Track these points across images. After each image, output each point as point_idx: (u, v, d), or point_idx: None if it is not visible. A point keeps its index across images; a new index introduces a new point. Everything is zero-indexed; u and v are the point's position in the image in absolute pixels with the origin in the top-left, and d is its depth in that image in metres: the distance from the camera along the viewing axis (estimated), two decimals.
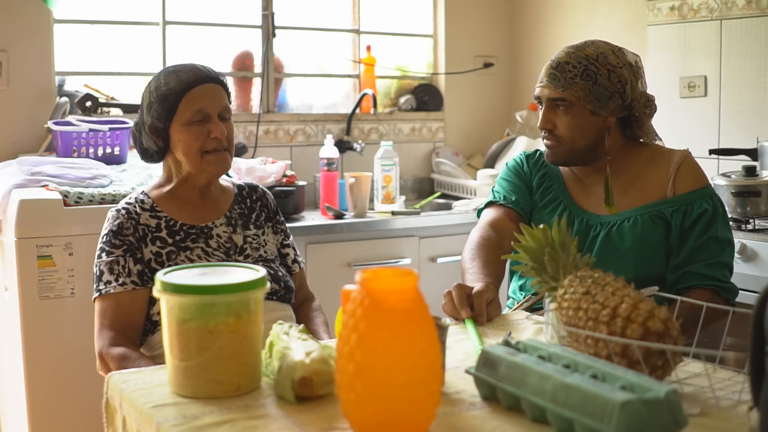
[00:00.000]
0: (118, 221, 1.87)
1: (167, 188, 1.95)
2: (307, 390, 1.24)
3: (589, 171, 1.97)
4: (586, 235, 1.94)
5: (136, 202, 1.92)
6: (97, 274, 1.85)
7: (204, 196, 1.96)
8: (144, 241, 1.86)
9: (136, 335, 1.82)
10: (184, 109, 1.86)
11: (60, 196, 2.39)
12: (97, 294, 1.84)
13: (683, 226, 1.89)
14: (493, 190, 2.12)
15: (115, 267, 1.83)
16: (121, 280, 1.81)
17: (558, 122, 1.89)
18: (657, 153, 1.96)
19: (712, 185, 1.87)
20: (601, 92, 1.85)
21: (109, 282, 1.82)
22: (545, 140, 1.94)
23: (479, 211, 2.11)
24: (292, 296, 1.96)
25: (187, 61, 1.95)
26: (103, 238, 1.88)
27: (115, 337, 1.77)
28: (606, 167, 1.93)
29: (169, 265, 1.83)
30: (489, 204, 2.09)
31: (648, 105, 1.92)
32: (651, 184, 1.93)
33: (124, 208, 1.90)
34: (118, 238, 1.85)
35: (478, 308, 1.65)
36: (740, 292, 1.95)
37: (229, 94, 1.94)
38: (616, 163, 1.94)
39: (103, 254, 1.85)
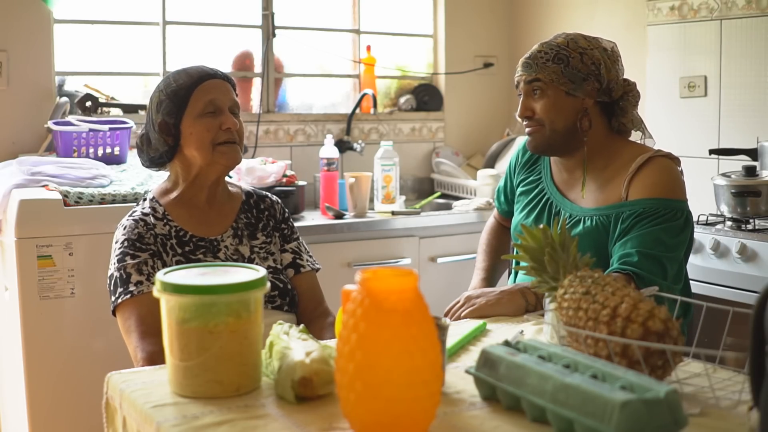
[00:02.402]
0: (137, 230, 1.84)
1: (175, 194, 1.92)
2: (307, 390, 1.24)
3: (572, 160, 1.97)
4: (550, 219, 1.98)
5: (150, 210, 1.89)
6: (123, 277, 1.79)
7: (211, 202, 1.94)
8: (165, 251, 1.85)
9: None
10: (195, 101, 1.86)
11: (60, 196, 2.39)
12: (127, 296, 1.76)
13: (616, 231, 1.83)
14: (497, 189, 2.26)
15: (144, 268, 1.80)
16: (152, 279, 1.75)
17: (536, 107, 1.91)
18: (639, 153, 1.90)
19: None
20: (574, 74, 1.87)
21: (140, 282, 1.78)
22: (526, 128, 1.96)
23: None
24: (297, 305, 1.96)
25: (192, 63, 1.95)
26: (122, 243, 1.83)
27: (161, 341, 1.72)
28: (584, 149, 1.93)
29: None
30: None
31: (629, 91, 1.92)
32: (618, 186, 1.89)
33: (141, 219, 1.86)
34: (141, 243, 1.82)
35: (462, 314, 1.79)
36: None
37: (236, 94, 1.94)
38: (599, 156, 1.93)
39: (128, 258, 1.80)
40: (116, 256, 1.83)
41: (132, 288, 1.77)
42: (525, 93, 1.93)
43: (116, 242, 1.86)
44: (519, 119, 1.97)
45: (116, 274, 1.81)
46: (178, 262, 1.84)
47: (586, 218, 1.90)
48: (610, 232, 1.85)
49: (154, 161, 1.93)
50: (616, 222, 1.84)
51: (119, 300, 1.78)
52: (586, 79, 1.87)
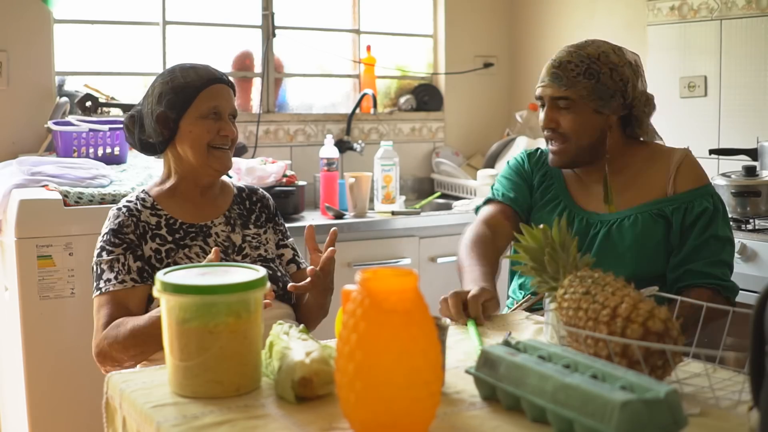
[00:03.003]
0: (119, 219, 1.89)
1: (167, 185, 1.97)
2: (307, 390, 1.24)
3: (590, 170, 1.97)
4: (586, 233, 1.94)
5: (137, 200, 1.94)
6: (98, 272, 1.86)
7: (204, 194, 1.99)
8: (144, 239, 1.88)
9: None
10: (200, 102, 1.90)
11: (60, 196, 2.39)
12: (98, 292, 1.84)
13: (684, 224, 1.88)
14: (492, 188, 2.12)
15: (116, 265, 1.84)
16: (120, 278, 1.83)
17: (561, 120, 1.89)
18: (657, 151, 1.96)
19: (713, 184, 1.88)
20: (604, 91, 1.85)
21: (108, 280, 1.84)
22: (550, 142, 1.93)
23: (477, 208, 2.11)
24: (292, 295, 1.96)
25: (197, 62, 1.99)
26: (104, 236, 1.89)
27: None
28: (605, 165, 1.93)
29: (168, 263, 1.86)
30: (488, 201, 2.09)
31: (648, 104, 1.92)
32: (651, 183, 1.93)
33: (125, 206, 1.92)
34: (119, 236, 1.87)
35: (475, 312, 1.65)
36: (740, 292, 1.95)
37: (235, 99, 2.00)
38: (616, 161, 1.94)
39: (104, 253, 1.87)
40: (97, 248, 1.89)
41: (102, 285, 1.84)
42: (550, 105, 1.90)
43: (101, 233, 1.92)
44: (542, 130, 1.94)
45: (94, 267, 1.88)
46: (168, 251, 1.88)
47: (626, 219, 1.90)
48: (672, 225, 1.88)
49: (144, 145, 1.97)
50: (674, 214, 1.88)
51: (94, 294, 1.86)
52: (614, 96, 1.86)
